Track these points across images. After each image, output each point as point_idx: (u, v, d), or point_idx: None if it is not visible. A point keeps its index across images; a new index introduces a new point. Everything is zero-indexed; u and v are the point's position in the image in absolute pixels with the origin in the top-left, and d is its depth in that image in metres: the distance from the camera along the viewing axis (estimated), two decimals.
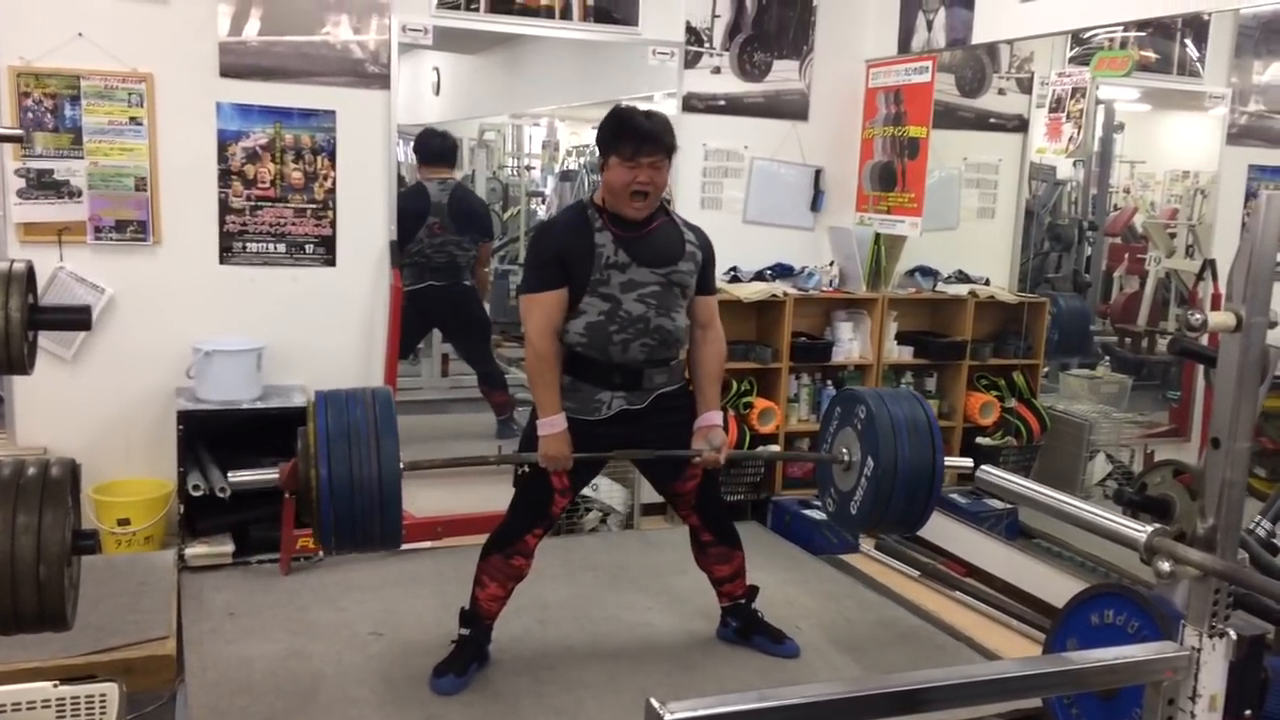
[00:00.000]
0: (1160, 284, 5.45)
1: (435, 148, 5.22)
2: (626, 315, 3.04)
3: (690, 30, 4.72)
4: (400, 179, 4.64)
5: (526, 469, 3.14)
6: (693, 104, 4.75)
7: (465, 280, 5.23)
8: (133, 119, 4.00)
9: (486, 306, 5.65)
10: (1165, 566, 1.82)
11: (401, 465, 2.75)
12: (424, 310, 5.03)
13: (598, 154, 3.16)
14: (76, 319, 2.11)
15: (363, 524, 2.69)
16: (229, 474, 2.83)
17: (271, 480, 2.81)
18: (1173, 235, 5.40)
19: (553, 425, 3.05)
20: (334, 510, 2.66)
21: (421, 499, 4.03)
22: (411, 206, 4.70)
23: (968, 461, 3.42)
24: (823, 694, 1.68)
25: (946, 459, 3.17)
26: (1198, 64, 4.81)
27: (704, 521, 3.38)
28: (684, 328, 3.16)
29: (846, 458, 3.23)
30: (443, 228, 5.03)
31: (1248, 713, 1.85)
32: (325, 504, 2.65)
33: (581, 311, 3.04)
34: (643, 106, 3.19)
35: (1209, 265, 4.90)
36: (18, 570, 1.80)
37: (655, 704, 1.52)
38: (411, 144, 5.20)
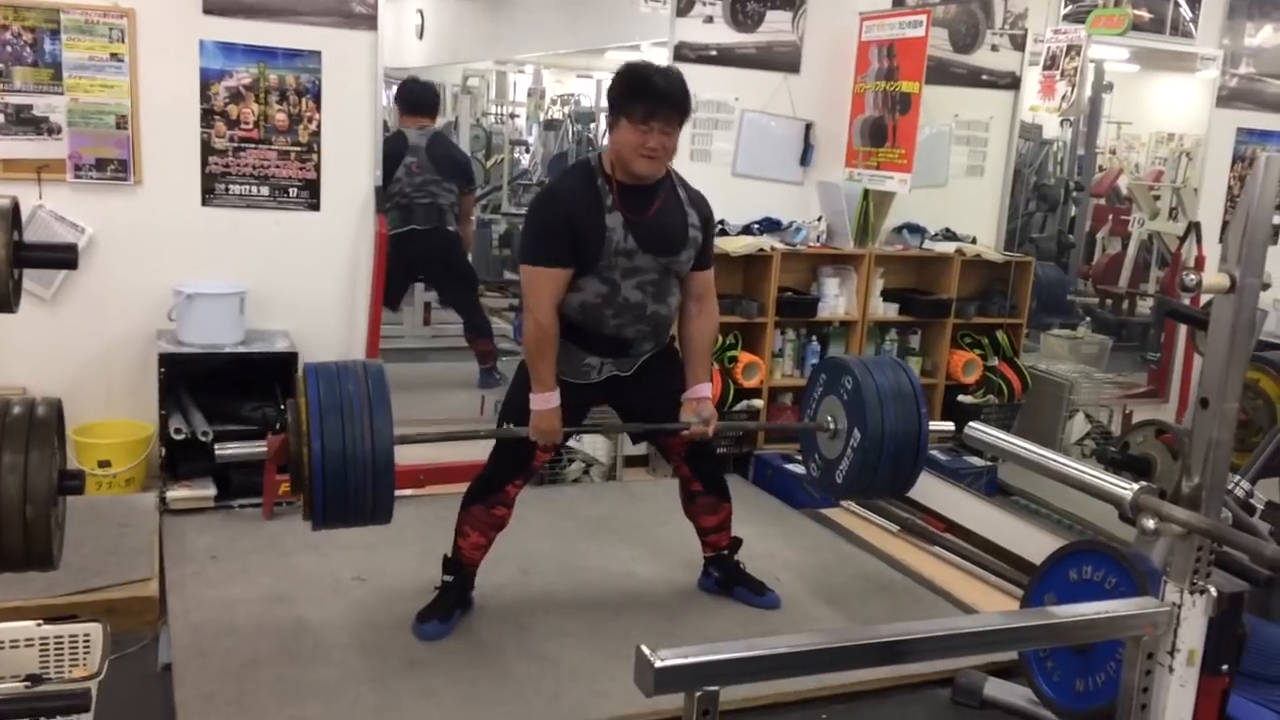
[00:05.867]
0: (1143, 246, 5.48)
1: (418, 97, 5.20)
2: (624, 301, 3.02)
3: None
4: (383, 124, 4.58)
5: (510, 424, 3.12)
6: (684, 54, 4.68)
7: (449, 225, 5.20)
8: (114, 55, 3.92)
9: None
10: (1150, 524, 1.84)
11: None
12: (408, 258, 4.99)
13: (608, 110, 3.04)
14: (63, 257, 2.07)
15: (355, 500, 2.65)
16: (217, 447, 2.76)
17: (260, 454, 2.75)
18: (1157, 198, 5.41)
19: (546, 401, 3.02)
20: (325, 486, 2.60)
21: (404, 447, 4.00)
22: (390, 150, 4.69)
23: (949, 426, 3.44)
24: (809, 644, 1.70)
25: (931, 424, 3.19)
26: (1190, 25, 4.80)
27: (694, 471, 3.39)
28: (676, 308, 3.17)
29: (832, 426, 3.23)
30: (421, 167, 5.03)
31: (1225, 667, 1.89)
32: (318, 480, 2.60)
33: (578, 288, 3.00)
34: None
35: (1194, 228, 4.92)
36: (4, 510, 1.79)
37: (646, 651, 1.53)
38: (394, 92, 5.15)
